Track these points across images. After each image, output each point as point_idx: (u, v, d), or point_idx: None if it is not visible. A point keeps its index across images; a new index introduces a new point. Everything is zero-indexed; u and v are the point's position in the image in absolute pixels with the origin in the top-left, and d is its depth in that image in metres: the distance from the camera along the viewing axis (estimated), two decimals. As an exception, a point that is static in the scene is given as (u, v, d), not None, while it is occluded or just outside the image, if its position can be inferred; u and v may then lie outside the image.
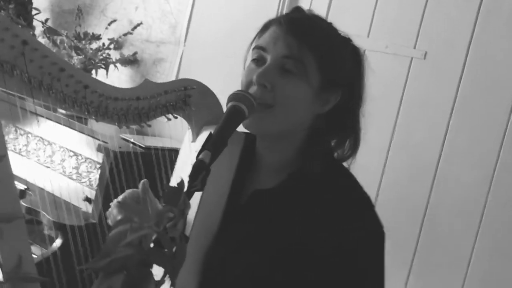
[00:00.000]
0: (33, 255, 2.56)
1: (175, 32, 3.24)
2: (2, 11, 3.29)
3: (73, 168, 2.84)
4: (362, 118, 1.47)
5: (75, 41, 3.13)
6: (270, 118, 1.37)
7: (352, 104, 1.45)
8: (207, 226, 1.40)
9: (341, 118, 1.44)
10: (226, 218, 1.43)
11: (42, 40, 3.35)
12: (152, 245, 1.08)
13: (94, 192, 2.67)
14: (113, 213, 1.46)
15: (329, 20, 1.48)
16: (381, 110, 2.52)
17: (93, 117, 1.34)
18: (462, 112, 2.50)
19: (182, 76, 3.15)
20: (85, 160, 2.80)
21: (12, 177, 1.22)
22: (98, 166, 2.70)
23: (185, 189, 1.17)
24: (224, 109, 1.37)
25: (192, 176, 1.17)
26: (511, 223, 2.38)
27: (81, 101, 1.31)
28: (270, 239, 1.37)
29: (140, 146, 2.75)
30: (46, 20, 3.45)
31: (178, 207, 1.16)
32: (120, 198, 1.44)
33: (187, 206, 1.18)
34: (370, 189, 1.46)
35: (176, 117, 1.45)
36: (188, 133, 1.52)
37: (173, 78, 3.16)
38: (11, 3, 3.28)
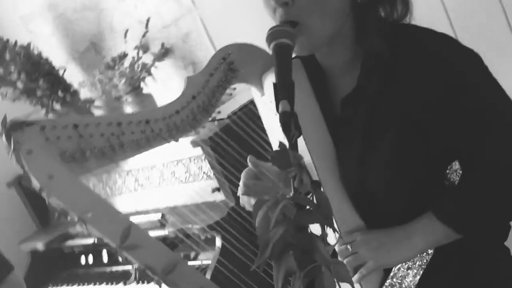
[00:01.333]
0: (207, 261, 2.70)
1: (181, 2, 3.21)
2: (37, 90, 3.36)
3: (185, 172, 2.91)
4: None
5: (109, 72, 3.16)
6: (312, 31, 1.34)
7: None
8: (326, 155, 1.41)
9: None
10: (335, 137, 1.43)
11: (83, 91, 3.42)
12: (295, 210, 1.10)
13: (215, 180, 2.73)
14: (245, 201, 1.50)
15: None
16: None
17: (172, 140, 1.36)
18: None
19: (215, 32, 3.15)
20: (190, 160, 2.86)
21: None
22: (203, 157, 2.75)
23: (287, 145, 1.18)
24: (267, 50, 1.35)
25: (285, 129, 1.16)
26: None
27: (152, 135, 1.33)
28: (391, 128, 1.36)
29: (221, 119, 2.76)
30: (64, 70, 3.50)
31: (293, 164, 1.16)
32: (241, 184, 1.48)
33: (300, 157, 1.19)
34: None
35: (234, 89, 1.45)
36: (253, 90, 1.51)
37: (208, 43, 3.15)
38: (39, 80, 3.34)
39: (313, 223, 1.09)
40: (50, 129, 1.20)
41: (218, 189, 2.74)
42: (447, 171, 1.42)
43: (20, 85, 3.29)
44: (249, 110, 1.80)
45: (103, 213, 1.21)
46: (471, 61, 1.37)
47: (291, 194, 1.10)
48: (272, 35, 1.29)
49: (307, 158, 1.37)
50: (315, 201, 1.10)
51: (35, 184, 1.17)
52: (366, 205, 1.40)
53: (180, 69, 3.33)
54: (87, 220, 1.19)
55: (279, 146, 1.15)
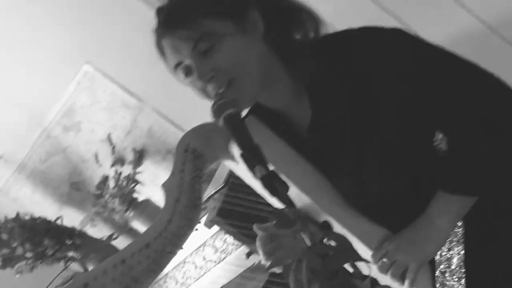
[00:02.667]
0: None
1: (129, 106, 3.25)
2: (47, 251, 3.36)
3: (214, 253, 2.89)
4: None
5: (101, 201, 3.17)
6: (244, 85, 1.35)
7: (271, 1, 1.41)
8: (322, 188, 1.40)
9: (280, 16, 1.40)
10: (320, 167, 1.42)
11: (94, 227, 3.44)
12: (320, 260, 1.10)
13: (244, 245, 2.72)
14: (272, 267, 1.48)
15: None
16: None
17: (178, 249, 1.35)
18: None
19: (171, 112, 3.18)
20: (212, 239, 2.85)
21: None
22: (222, 233, 2.74)
23: (282, 204, 1.18)
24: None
25: (272, 191, 1.17)
26: None
27: (159, 255, 1.32)
28: (369, 136, 1.35)
29: (222, 187, 2.76)
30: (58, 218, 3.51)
31: (295, 220, 1.17)
32: (262, 255, 1.46)
33: (298, 212, 1.20)
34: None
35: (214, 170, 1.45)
36: (227, 162, 1.51)
37: (171, 127, 3.18)
38: (43, 241, 3.34)
39: (341, 265, 1.08)
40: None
41: (250, 253, 2.72)
42: (436, 143, 1.41)
43: (29, 254, 3.29)
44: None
45: None
46: (401, 37, 1.36)
47: (309, 247, 1.09)
48: (217, 111, 1.30)
49: (305, 199, 1.36)
50: (332, 243, 1.09)
51: None
52: (375, 214, 1.39)
53: (161, 163, 3.34)
54: None
55: (273, 211, 1.15)
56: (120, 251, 1.45)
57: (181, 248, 1.37)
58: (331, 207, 1.37)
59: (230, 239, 2.78)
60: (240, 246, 2.76)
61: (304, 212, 1.35)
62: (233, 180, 2.47)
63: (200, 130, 1.44)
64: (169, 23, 1.36)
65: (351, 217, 1.38)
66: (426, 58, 1.34)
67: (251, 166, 1.19)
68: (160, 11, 1.42)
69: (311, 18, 1.41)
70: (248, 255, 2.75)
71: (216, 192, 2.80)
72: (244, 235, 2.63)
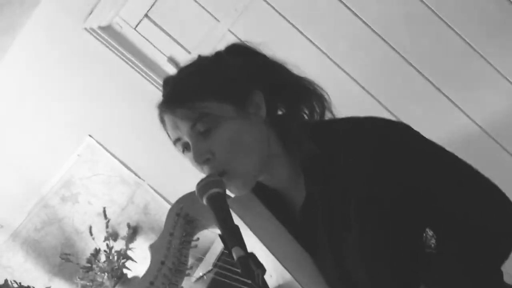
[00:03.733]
0: None
1: (128, 182, 3.27)
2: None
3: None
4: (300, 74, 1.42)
5: (90, 274, 3.15)
6: (240, 172, 1.34)
7: (278, 81, 1.42)
8: (304, 267, 1.40)
9: (286, 98, 1.42)
10: (308, 247, 1.42)
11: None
12: None
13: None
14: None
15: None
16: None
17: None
18: None
19: (167, 191, 3.20)
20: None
21: None
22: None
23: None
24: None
25: (247, 274, 1.14)
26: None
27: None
28: (353, 221, 1.33)
29: (210, 270, 2.76)
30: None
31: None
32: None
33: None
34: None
35: (198, 239, 1.46)
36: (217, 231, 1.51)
37: (167, 205, 3.19)
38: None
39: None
40: None
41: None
42: (424, 238, 1.39)
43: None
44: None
45: None
46: (400, 132, 1.34)
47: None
48: (202, 189, 1.28)
49: (287, 276, 1.36)
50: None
51: None
52: None
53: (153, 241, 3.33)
54: None
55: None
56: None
57: (190, 269, 1.36)
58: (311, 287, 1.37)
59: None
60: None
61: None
62: (221, 264, 2.47)
63: (194, 196, 1.44)
64: (170, 101, 1.36)
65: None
66: (420, 157, 1.32)
67: (228, 247, 1.18)
68: (165, 84, 1.44)
69: (319, 101, 1.42)
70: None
71: (204, 275, 2.79)
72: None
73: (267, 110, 1.39)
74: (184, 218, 1.44)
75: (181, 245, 1.42)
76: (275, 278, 1.38)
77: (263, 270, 1.13)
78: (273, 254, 1.37)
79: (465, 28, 2.51)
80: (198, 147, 1.33)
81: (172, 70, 2.87)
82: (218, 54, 1.43)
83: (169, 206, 1.45)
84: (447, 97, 2.62)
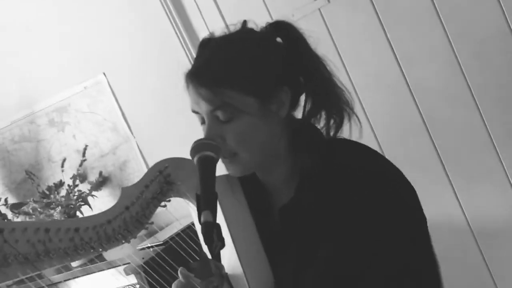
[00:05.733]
0: None
1: (119, 132, 3.24)
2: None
3: (121, 302, 2.82)
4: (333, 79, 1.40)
5: (45, 200, 3.12)
6: (242, 161, 1.37)
7: (313, 85, 1.41)
8: (259, 269, 1.39)
9: (315, 105, 1.41)
10: (272, 245, 1.42)
11: (17, 219, 3.34)
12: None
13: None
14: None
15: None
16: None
17: (101, 250, 1.33)
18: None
19: (152, 159, 3.17)
20: (125, 288, 2.79)
21: None
22: (138, 286, 2.69)
23: (210, 256, 1.17)
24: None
25: (207, 240, 1.15)
26: None
27: (81, 244, 1.30)
28: (326, 243, 1.32)
29: (158, 245, 2.75)
30: (6, 200, 3.45)
31: (215, 274, 1.16)
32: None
33: (221, 267, 1.18)
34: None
35: (169, 201, 1.44)
36: (191, 206, 1.50)
37: (145, 170, 3.15)
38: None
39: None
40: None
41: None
42: None
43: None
44: (187, 235, 1.78)
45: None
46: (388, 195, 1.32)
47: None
48: (196, 148, 1.30)
49: (238, 271, 1.35)
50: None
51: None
52: None
53: (117, 198, 3.30)
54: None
55: (200, 257, 1.14)
56: (49, 221, 1.42)
57: (105, 251, 1.34)
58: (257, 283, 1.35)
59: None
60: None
61: (227, 275, 1.34)
62: (172, 243, 2.45)
63: (183, 162, 1.44)
64: (199, 77, 1.35)
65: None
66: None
67: (200, 208, 1.19)
68: (202, 48, 1.42)
69: (338, 113, 1.41)
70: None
71: (151, 246, 2.77)
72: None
73: (288, 109, 1.39)
74: (164, 177, 1.42)
75: (151, 199, 1.40)
76: (227, 266, 1.37)
77: (222, 244, 1.14)
78: (235, 247, 1.36)
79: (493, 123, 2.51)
80: (212, 130, 1.34)
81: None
82: (264, 36, 1.41)
83: (145, 171, 1.43)
84: (450, 180, 2.61)
